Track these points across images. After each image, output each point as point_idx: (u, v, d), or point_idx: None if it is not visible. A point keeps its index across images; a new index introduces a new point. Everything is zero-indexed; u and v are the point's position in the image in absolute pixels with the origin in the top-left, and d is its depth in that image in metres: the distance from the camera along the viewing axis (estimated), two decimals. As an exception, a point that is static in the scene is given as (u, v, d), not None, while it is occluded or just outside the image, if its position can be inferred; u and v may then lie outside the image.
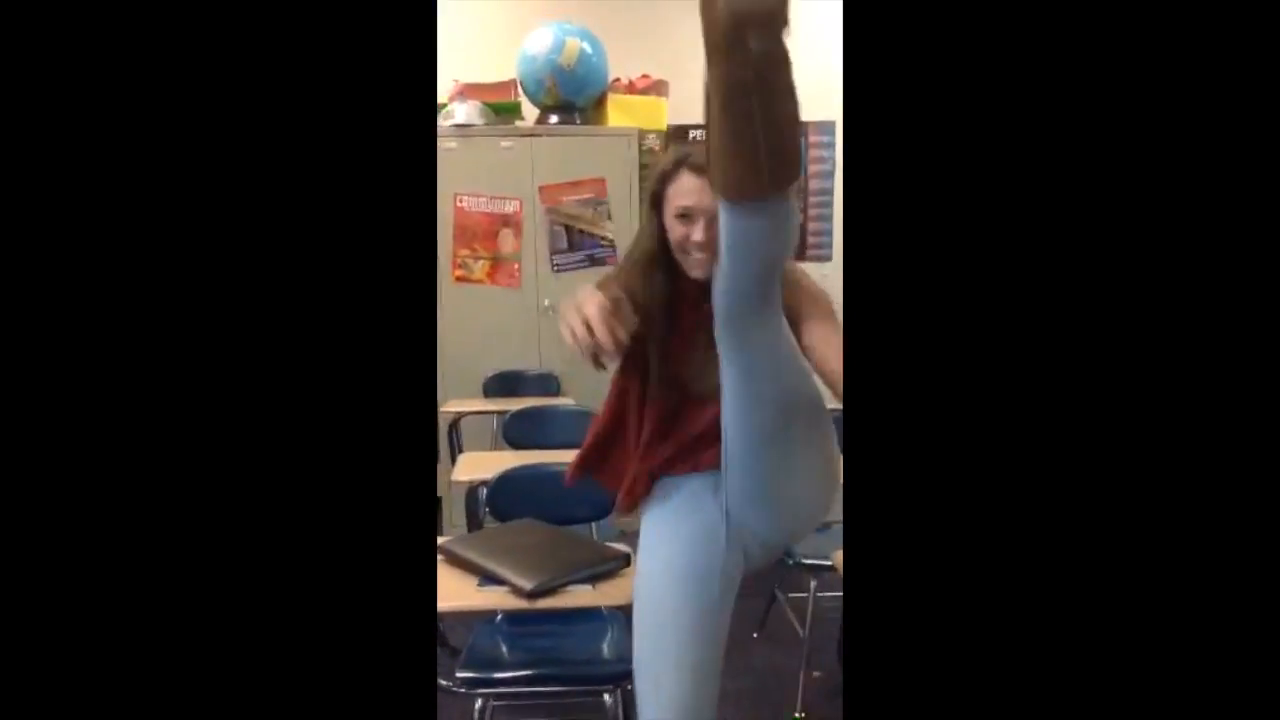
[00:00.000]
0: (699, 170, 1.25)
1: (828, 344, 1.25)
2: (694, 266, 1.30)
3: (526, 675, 1.66)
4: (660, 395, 1.36)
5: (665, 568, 1.30)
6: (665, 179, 1.30)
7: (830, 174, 3.94)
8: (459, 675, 1.62)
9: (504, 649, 1.76)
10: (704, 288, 1.26)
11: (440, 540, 1.63)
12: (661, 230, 1.31)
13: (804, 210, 3.96)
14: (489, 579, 1.50)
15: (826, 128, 3.88)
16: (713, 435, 1.31)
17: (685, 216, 1.27)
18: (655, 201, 1.31)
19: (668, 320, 1.35)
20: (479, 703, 1.63)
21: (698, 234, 1.26)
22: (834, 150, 3.90)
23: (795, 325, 1.28)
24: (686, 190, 1.27)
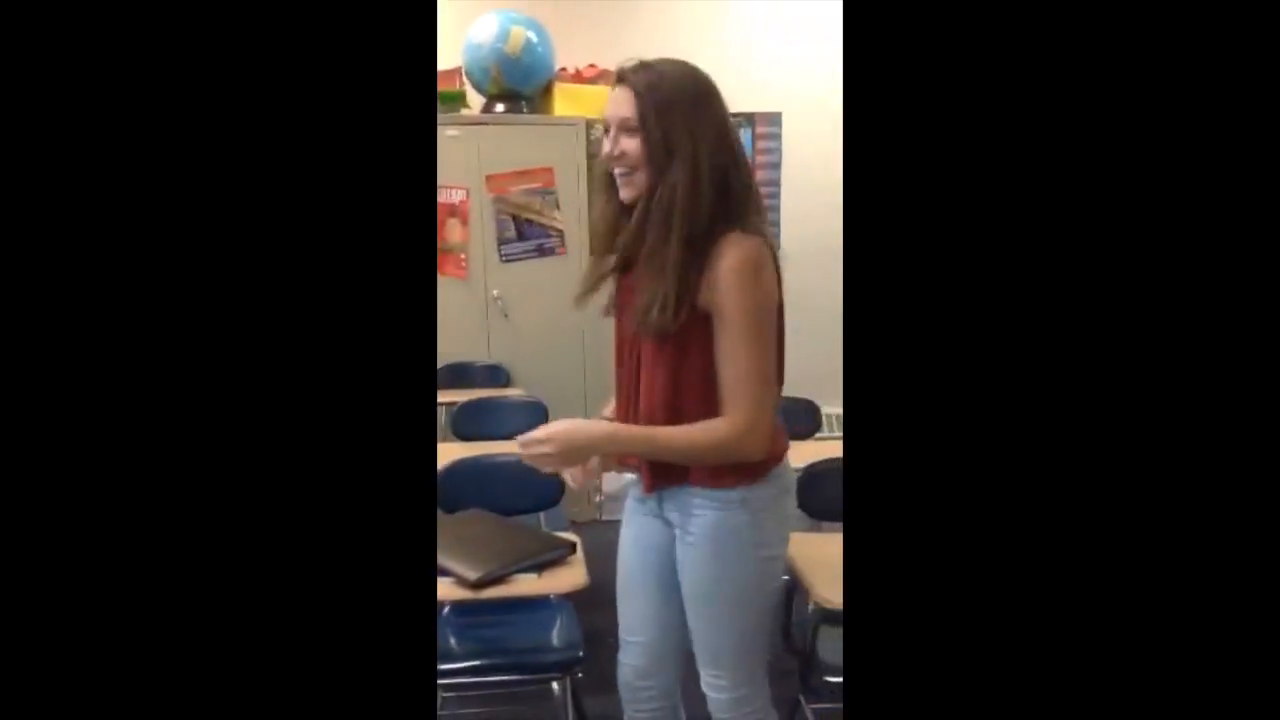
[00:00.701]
0: (620, 80, 1.21)
1: (725, 360, 1.20)
2: (621, 187, 1.23)
3: (475, 666, 1.65)
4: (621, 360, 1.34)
5: (626, 543, 1.44)
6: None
7: (777, 165, 3.97)
8: (405, 667, 1.62)
9: (452, 640, 1.75)
10: (632, 209, 1.23)
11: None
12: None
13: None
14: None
15: (773, 119, 3.91)
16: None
17: (607, 130, 1.23)
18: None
19: (608, 249, 1.31)
20: (426, 694, 1.63)
21: (607, 144, 1.22)
22: (779, 141, 3.94)
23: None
24: (609, 103, 1.23)
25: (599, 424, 1.28)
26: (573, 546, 1.58)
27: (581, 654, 1.67)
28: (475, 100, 3.56)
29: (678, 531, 1.32)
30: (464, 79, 3.51)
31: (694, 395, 1.22)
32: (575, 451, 1.22)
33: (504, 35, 3.35)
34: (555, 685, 1.65)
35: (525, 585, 1.49)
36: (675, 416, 1.24)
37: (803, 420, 2.58)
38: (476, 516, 1.76)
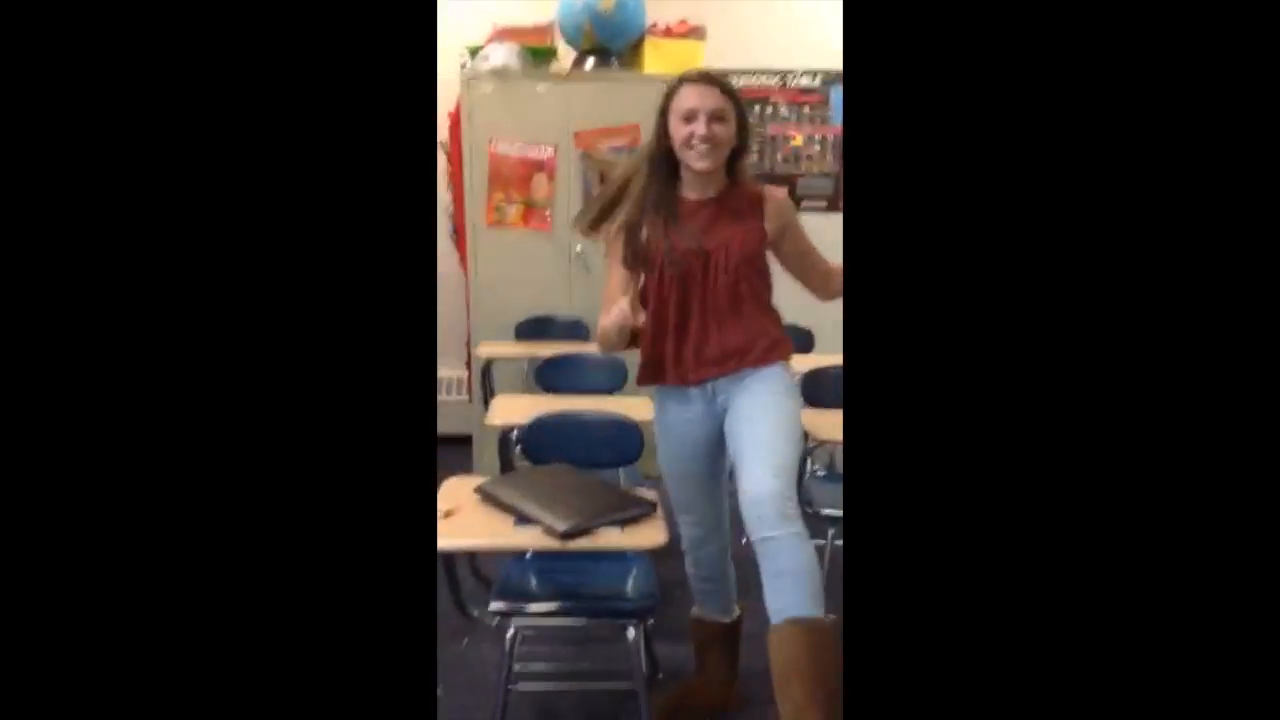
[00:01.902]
0: (696, 80, 1.62)
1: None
2: (696, 159, 1.62)
3: (555, 608, 1.77)
4: (663, 292, 1.68)
5: (667, 432, 1.82)
6: (670, 94, 1.64)
7: (865, 126, 3.92)
8: (492, 607, 1.74)
9: (533, 582, 1.87)
10: (702, 178, 1.66)
11: (479, 482, 1.74)
12: (666, 134, 1.64)
13: (839, 161, 3.95)
14: (524, 519, 1.60)
15: (864, 78, 3.84)
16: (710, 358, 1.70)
17: (689, 118, 1.59)
18: (663, 112, 1.64)
19: (669, 209, 1.67)
20: (510, 631, 1.75)
21: (700, 129, 1.58)
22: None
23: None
24: (688, 96, 1.61)
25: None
26: (653, 505, 1.66)
27: (656, 602, 1.77)
28: (566, 56, 3.59)
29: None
30: (555, 35, 3.55)
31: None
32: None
33: (598, -10, 3.36)
34: (630, 631, 1.75)
35: (609, 539, 1.58)
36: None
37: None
38: (562, 470, 1.85)
